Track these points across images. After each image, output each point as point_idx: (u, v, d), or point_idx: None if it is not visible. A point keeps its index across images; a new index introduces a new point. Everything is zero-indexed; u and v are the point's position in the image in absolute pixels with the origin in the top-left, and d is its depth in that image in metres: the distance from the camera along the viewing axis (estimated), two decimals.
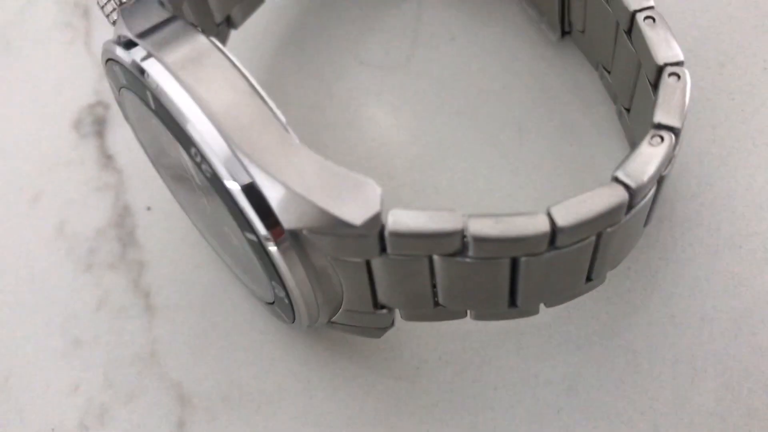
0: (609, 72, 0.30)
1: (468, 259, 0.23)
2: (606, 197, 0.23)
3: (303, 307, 0.25)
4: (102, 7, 0.26)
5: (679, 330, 0.28)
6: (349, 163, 0.31)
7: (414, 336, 0.28)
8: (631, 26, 0.27)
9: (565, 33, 0.32)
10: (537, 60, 0.32)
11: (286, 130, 0.23)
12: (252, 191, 0.22)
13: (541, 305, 0.26)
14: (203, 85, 0.23)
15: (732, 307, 0.28)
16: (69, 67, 0.34)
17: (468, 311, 0.26)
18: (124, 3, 0.25)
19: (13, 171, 0.32)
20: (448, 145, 0.31)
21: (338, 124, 0.32)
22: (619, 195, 0.23)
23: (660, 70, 0.25)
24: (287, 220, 0.22)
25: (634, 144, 0.29)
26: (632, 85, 0.28)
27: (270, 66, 0.34)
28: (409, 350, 0.28)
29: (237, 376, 0.28)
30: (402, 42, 0.34)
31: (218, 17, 0.31)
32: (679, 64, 0.25)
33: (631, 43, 0.27)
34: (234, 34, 0.32)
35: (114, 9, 0.26)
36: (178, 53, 0.23)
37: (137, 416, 0.28)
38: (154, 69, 0.23)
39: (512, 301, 0.25)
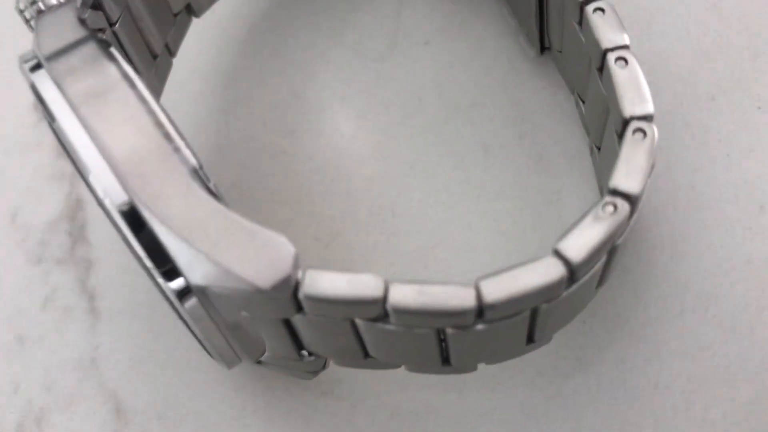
0: (584, 102, 0.27)
1: (390, 326, 0.21)
2: (542, 273, 0.21)
3: (217, 356, 0.23)
4: (21, 12, 0.24)
5: (629, 396, 0.26)
6: (304, 174, 0.30)
7: (352, 372, 0.27)
8: (602, 65, 0.24)
9: (545, 48, 0.29)
10: (512, 75, 0.29)
11: (196, 175, 0.21)
12: (153, 246, 0.21)
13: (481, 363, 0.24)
14: (105, 124, 0.21)
15: (688, 377, 0.26)
16: (30, 44, 0.32)
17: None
18: (43, 11, 0.23)
19: None
20: (409, 163, 0.29)
21: (299, 130, 0.30)
22: (556, 271, 0.21)
23: (625, 123, 0.22)
24: (192, 276, 0.21)
25: (600, 189, 0.27)
26: (602, 125, 0.25)
27: (234, 59, 0.31)
28: (347, 386, 0.27)
29: (173, 394, 0.27)
30: (375, 41, 0.31)
31: (176, 6, 0.29)
32: (646, 118, 0.22)
33: (602, 83, 0.24)
34: (196, 23, 0.30)
35: (32, 17, 0.24)
36: (83, 84, 0.21)
37: (74, 425, 0.27)
38: (54, 99, 0.21)
39: (446, 360, 0.24)
